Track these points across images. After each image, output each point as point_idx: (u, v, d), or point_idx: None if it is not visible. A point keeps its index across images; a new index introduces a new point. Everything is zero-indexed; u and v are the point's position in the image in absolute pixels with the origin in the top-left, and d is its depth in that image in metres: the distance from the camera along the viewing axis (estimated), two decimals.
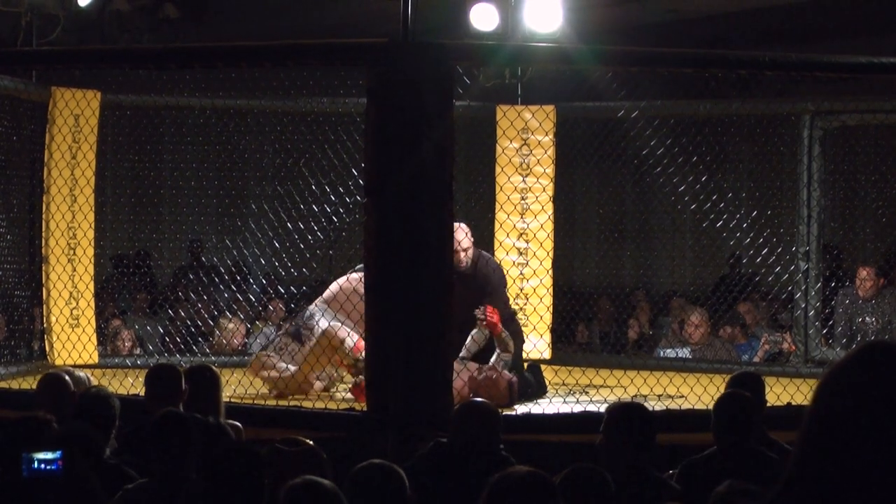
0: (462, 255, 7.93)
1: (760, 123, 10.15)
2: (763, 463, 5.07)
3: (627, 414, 5.09)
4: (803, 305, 9.44)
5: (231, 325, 10.24)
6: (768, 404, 6.12)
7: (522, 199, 10.07)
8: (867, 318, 9.82)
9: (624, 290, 11.24)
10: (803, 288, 9.42)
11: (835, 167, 9.77)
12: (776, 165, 10.18)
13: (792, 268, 9.53)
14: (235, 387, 7.89)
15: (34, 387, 6.23)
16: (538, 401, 7.71)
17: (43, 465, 3.80)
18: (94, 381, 6.55)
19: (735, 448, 5.16)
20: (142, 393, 7.48)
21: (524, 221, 10.07)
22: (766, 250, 9.67)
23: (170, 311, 10.47)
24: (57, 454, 3.82)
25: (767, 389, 6.13)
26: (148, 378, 5.85)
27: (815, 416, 1.83)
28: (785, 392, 7.00)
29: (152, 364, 7.05)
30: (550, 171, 10.11)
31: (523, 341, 8.41)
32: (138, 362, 9.57)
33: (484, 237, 10.33)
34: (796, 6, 12.28)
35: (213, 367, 6.05)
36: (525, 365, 8.31)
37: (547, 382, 8.49)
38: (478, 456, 5.13)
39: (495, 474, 3.41)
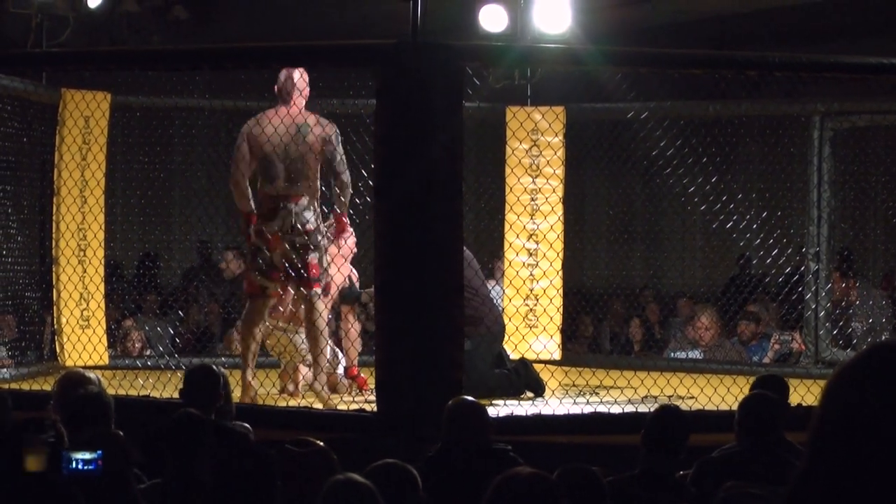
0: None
1: (770, 124, 10.14)
2: (781, 464, 5.06)
3: (668, 417, 5.12)
4: (813, 306, 9.43)
5: None
6: None
7: (532, 200, 10.07)
8: (853, 323, 9.86)
9: (634, 290, 11.23)
10: (813, 289, 9.41)
11: (845, 168, 9.76)
12: (786, 166, 10.16)
13: (802, 269, 9.52)
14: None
15: (45, 388, 6.23)
16: (535, 400, 7.70)
17: (82, 465, 3.80)
18: (105, 383, 6.55)
19: (755, 448, 5.15)
20: (152, 394, 7.53)
21: (534, 222, 10.06)
22: (776, 251, 9.66)
23: (180, 313, 10.46)
24: (97, 454, 3.81)
25: None
26: (186, 379, 5.81)
27: (824, 415, 1.84)
28: (795, 393, 6.97)
29: (186, 365, 6.94)
30: (560, 172, 10.11)
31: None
32: (148, 363, 9.58)
33: (494, 238, 10.34)
34: (806, 7, 12.26)
35: (222, 368, 6.03)
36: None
37: (557, 383, 8.47)
38: (478, 455, 5.13)
39: (497, 476, 3.36)
